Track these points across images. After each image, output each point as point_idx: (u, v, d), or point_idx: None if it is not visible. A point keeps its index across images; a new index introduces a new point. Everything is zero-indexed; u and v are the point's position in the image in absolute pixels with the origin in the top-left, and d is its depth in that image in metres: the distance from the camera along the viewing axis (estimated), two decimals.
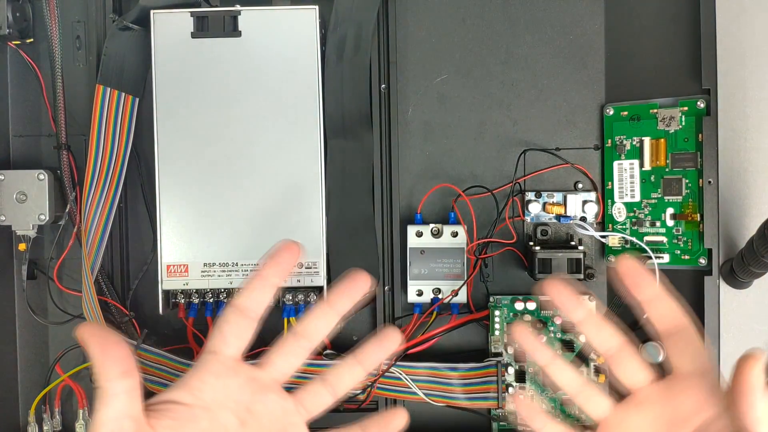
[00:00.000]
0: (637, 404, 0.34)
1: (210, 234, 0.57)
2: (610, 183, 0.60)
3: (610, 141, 0.60)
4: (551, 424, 0.35)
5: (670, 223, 0.57)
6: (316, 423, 0.35)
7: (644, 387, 0.34)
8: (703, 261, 0.55)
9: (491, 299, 0.61)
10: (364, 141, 0.59)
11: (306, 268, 0.57)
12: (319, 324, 0.33)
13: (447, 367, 0.58)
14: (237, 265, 0.57)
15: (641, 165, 0.58)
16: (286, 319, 0.58)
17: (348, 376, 0.35)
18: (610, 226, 0.59)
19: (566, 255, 0.58)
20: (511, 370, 0.60)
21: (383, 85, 0.60)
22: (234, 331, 0.33)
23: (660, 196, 0.57)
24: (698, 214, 0.55)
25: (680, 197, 0.56)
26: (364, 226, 0.59)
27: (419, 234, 0.60)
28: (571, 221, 0.60)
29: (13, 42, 0.61)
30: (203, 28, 0.58)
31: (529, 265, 0.59)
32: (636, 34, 0.61)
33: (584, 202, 0.60)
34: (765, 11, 0.61)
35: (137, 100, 0.61)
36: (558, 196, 0.61)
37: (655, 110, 0.57)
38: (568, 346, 0.60)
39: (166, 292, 0.58)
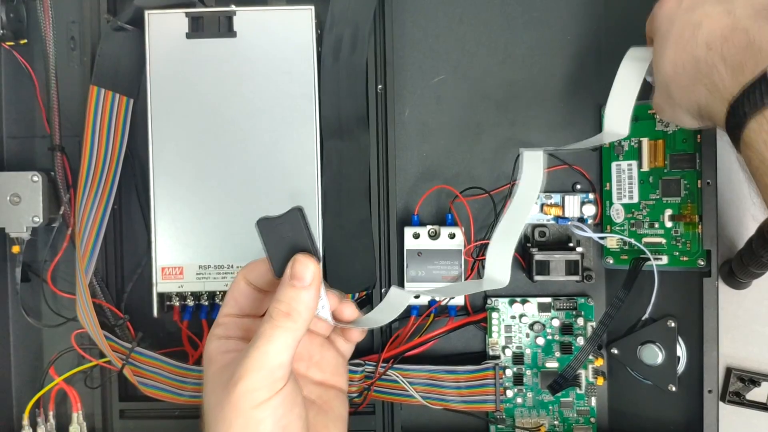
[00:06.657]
0: None
1: (205, 236, 0.57)
2: (608, 184, 0.59)
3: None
4: None
5: (668, 224, 0.56)
6: None
7: None
8: (701, 262, 0.55)
9: (489, 301, 0.60)
10: (361, 142, 0.59)
11: None
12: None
13: (444, 370, 0.58)
14: (232, 267, 0.57)
15: (640, 166, 0.57)
16: None
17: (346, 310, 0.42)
18: (609, 227, 0.59)
19: (564, 257, 0.57)
20: (509, 372, 0.60)
21: (380, 86, 0.60)
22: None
23: (658, 197, 0.56)
24: (697, 216, 0.55)
25: (679, 198, 0.56)
26: (360, 228, 0.59)
27: (416, 236, 0.59)
28: (569, 222, 0.60)
29: (7, 43, 0.61)
30: (198, 28, 0.57)
31: (527, 267, 0.59)
32: (634, 34, 0.60)
33: (582, 203, 0.60)
34: None
35: (131, 101, 0.60)
36: (556, 197, 0.60)
37: (654, 111, 0.57)
38: (566, 348, 0.59)
39: (161, 295, 0.58)
